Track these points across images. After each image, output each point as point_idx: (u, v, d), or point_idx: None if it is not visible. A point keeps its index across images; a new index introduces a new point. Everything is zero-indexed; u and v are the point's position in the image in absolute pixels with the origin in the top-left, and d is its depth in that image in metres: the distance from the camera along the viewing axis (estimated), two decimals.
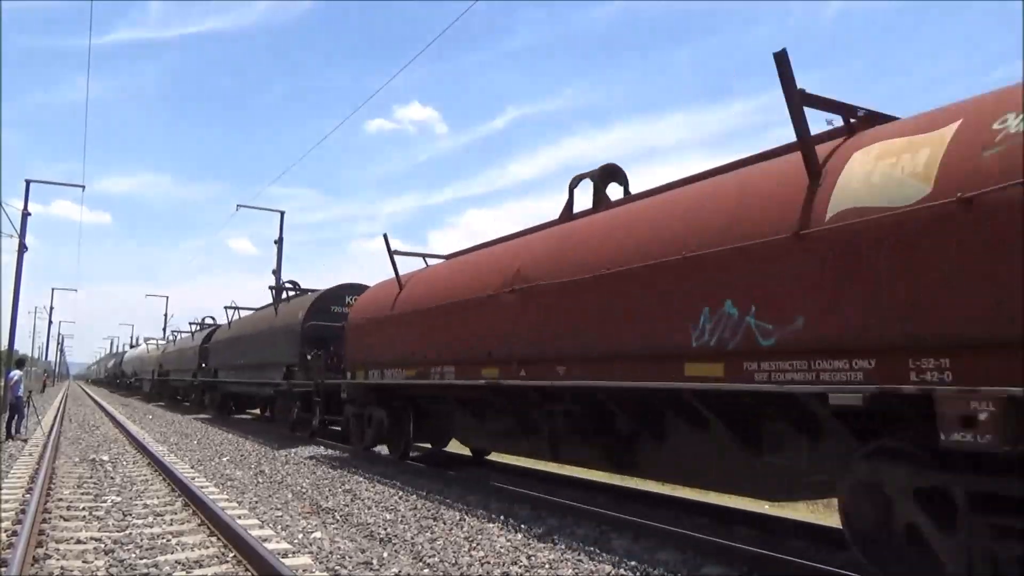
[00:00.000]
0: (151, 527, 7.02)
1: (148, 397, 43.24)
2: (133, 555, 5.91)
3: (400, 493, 9.24)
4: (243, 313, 26.04)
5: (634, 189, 8.60)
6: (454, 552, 6.25)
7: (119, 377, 63.84)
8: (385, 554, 6.17)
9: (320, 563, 5.78)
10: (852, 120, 5.50)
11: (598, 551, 6.26)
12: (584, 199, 8.85)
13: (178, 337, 38.37)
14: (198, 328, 33.75)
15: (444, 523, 7.46)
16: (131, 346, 68.50)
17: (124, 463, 11.93)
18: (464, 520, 7.58)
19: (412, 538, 6.79)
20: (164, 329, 54.27)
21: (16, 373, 17.55)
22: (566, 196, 8.97)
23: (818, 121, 5.47)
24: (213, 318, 34.12)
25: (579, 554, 6.18)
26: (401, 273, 12.11)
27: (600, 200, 8.64)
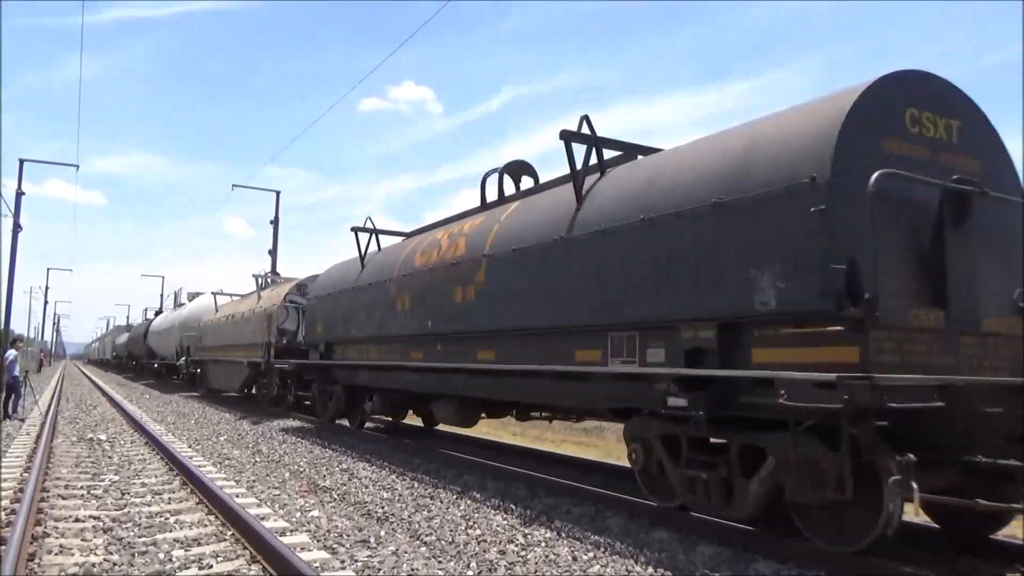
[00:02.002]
0: (149, 505, 7.06)
1: (231, 404, 21.34)
2: (132, 533, 5.95)
3: (397, 472, 9.29)
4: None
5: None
6: (451, 530, 6.30)
7: (137, 359, 44.93)
8: (382, 532, 6.22)
9: (318, 541, 5.83)
10: None
11: (593, 530, 6.31)
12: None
13: (367, 252, 13.02)
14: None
15: (441, 502, 7.51)
16: (152, 316, 44.51)
17: (122, 442, 11.97)
18: (461, 499, 7.64)
19: (409, 517, 6.84)
20: (160, 309, 48.82)
21: (11, 353, 17.54)
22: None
23: None
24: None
25: (574, 533, 6.23)
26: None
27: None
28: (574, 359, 7.23)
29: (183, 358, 28.78)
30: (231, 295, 26.99)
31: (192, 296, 34.06)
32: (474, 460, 9.75)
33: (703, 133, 7.26)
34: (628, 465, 9.61)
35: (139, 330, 44.74)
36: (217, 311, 25.35)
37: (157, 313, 43.85)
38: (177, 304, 38.07)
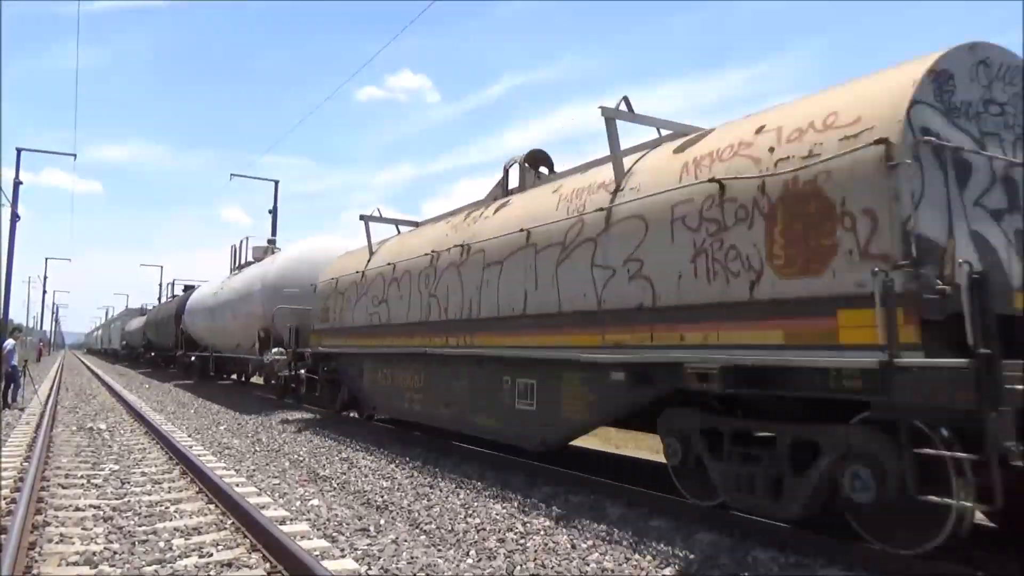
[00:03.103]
0: (149, 495, 7.08)
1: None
2: (132, 522, 5.97)
3: (397, 462, 9.32)
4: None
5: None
6: (450, 519, 6.32)
7: (161, 349, 35.10)
8: (382, 521, 6.25)
9: (318, 529, 5.85)
10: None
11: (592, 518, 6.33)
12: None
13: None
14: None
15: (440, 491, 7.53)
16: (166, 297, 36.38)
17: (121, 432, 11.99)
18: (460, 488, 7.66)
19: (408, 505, 6.86)
20: (159, 299, 48.15)
21: (10, 342, 17.55)
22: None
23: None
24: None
25: (573, 521, 6.26)
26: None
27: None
28: None
29: (275, 351, 14.99)
30: (400, 221, 12.47)
31: (265, 250, 20.24)
32: (472, 449, 9.76)
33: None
34: (630, 455, 9.67)
35: (166, 310, 31.73)
36: (396, 251, 11.13)
37: (186, 289, 31.82)
38: (240, 265, 21.61)
